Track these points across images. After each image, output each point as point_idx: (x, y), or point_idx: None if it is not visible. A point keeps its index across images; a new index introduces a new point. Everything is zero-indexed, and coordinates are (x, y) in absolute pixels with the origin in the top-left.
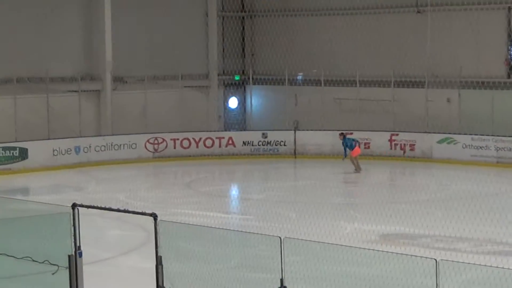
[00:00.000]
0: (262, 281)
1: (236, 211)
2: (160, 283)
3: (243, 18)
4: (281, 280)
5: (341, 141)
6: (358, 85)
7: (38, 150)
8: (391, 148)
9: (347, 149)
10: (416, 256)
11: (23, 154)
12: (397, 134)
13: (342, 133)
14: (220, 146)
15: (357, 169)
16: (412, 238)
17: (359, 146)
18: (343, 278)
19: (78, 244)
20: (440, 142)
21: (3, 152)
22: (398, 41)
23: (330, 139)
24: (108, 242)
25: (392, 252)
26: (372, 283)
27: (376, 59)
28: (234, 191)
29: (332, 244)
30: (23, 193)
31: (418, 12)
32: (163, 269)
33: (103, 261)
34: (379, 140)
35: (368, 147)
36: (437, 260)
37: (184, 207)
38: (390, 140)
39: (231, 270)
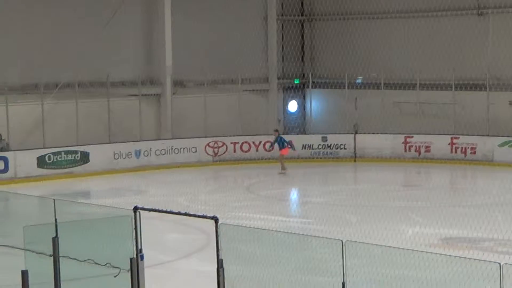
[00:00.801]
0: (323, 285)
1: (296, 214)
2: (221, 286)
3: (302, 22)
4: (343, 284)
5: (275, 137)
6: (418, 88)
7: (99, 154)
8: (451, 152)
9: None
10: (479, 260)
11: (85, 157)
12: (458, 138)
13: (277, 130)
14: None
15: (283, 170)
16: (474, 242)
17: (289, 148)
18: (404, 282)
19: (139, 247)
20: (501, 145)
21: (65, 156)
22: (458, 43)
23: (390, 143)
24: (169, 245)
25: (454, 256)
26: (434, 287)
27: (436, 61)
28: (294, 195)
29: (393, 247)
30: (84, 196)
31: (479, 14)
32: (224, 272)
33: (164, 264)
34: (440, 144)
35: (429, 151)
36: (501, 264)
37: (244, 210)
38: (451, 144)
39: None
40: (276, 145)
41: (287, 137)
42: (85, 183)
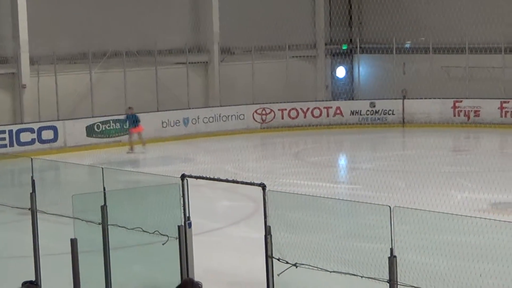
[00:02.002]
0: (372, 251)
1: (344, 180)
2: (269, 253)
3: None
4: (391, 250)
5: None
6: (467, 52)
7: (148, 122)
8: (501, 116)
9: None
10: None
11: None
12: (507, 101)
13: (131, 108)
14: (328, 116)
15: (132, 149)
16: None
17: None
18: (453, 247)
19: (187, 215)
20: None
21: (114, 124)
22: (508, 6)
23: (438, 108)
24: (217, 213)
25: (504, 221)
26: (484, 252)
27: (485, 25)
28: (342, 161)
29: (442, 213)
30: (133, 164)
31: None
32: (272, 239)
33: (212, 231)
34: (489, 108)
35: (478, 115)
36: None
37: (292, 177)
38: (501, 108)
39: (339, 239)
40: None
41: (333, 104)
42: (133, 152)
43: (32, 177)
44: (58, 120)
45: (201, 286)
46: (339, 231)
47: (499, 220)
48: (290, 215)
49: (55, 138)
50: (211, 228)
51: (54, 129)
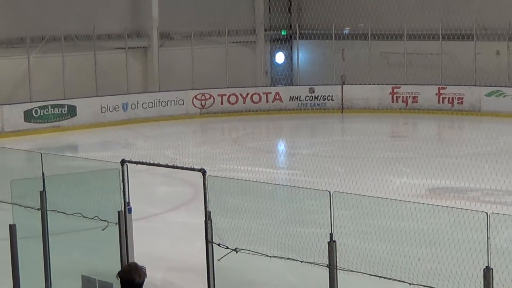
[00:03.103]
0: (311, 236)
1: (284, 166)
2: (209, 238)
3: None
4: (331, 235)
5: None
6: (405, 38)
7: (86, 107)
8: (439, 102)
9: None
10: (466, 209)
11: (72, 111)
12: (445, 88)
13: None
14: (267, 101)
15: None
16: (461, 192)
17: None
18: (392, 232)
19: (127, 200)
20: (488, 95)
21: (52, 109)
22: None
23: (377, 93)
24: (156, 198)
25: (441, 206)
26: (422, 237)
27: (423, 11)
28: (282, 146)
29: (381, 198)
30: (72, 150)
31: None
32: (212, 224)
33: (152, 217)
34: (427, 94)
35: (416, 101)
36: (488, 214)
37: (231, 162)
38: (438, 94)
39: (279, 225)
40: None
41: (273, 89)
42: (73, 137)
43: None
44: None
45: (145, 271)
46: (279, 217)
47: (436, 205)
48: (230, 200)
49: None
50: (150, 214)
51: None
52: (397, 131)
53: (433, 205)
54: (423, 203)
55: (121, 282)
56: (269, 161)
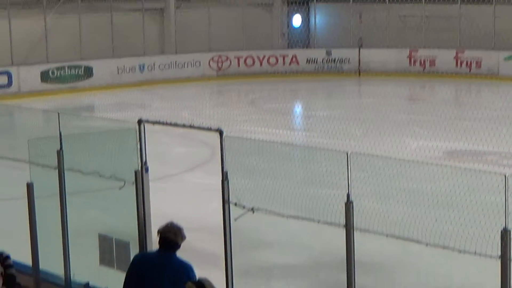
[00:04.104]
0: (328, 197)
1: (300, 128)
2: (226, 197)
3: None
4: (348, 196)
5: None
6: (424, 1)
7: (103, 68)
8: (456, 66)
9: None
10: (484, 171)
11: (88, 72)
12: (463, 51)
13: None
14: (284, 64)
15: None
16: (478, 155)
17: None
18: (409, 194)
19: (144, 160)
20: (507, 59)
21: (69, 70)
22: None
23: (394, 57)
24: (174, 159)
25: (459, 167)
26: (439, 199)
27: None
28: (298, 109)
29: (398, 159)
30: (88, 110)
31: None
32: (229, 185)
33: (169, 177)
34: (445, 58)
35: (434, 65)
36: (506, 176)
37: (248, 124)
38: (456, 58)
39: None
40: None
41: (290, 52)
42: (89, 98)
43: None
44: (12, 65)
45: (182, 231)
46: (295, 178)
47: (454, 167)
48: (247, 161)
49: (9, 84)
50: (167, 174)
51: (9, 74)
52: (414, 94)
53: (450, 166)
54: (441, 165)
55: (159, 238)
56: (285, 123)
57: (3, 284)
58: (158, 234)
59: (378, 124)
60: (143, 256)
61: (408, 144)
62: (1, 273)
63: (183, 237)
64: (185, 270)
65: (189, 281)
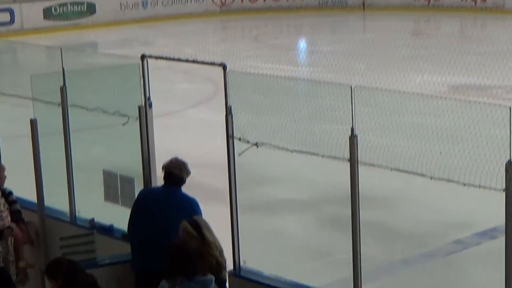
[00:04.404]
0: (332, 132)
1: (304, 63)
2: (230, 132)
3: None
4: (352, 129)
5: None
6: None
7: (106, 5)
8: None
9: None
10: (489, 103)
11: (91, 9)
12: None
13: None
14: None
15: None
16: (483, 89)
17: None
18: (413, 128)
19: (147, 95)
20: None
21: (71, 7)
22: None
23: None
24: (177, 95)
25: (464, 100)
26: (443, 132)
27: None
28: (302, 44)
29: (402, 93)
30: (92, 47)
31: None
32: (233, 119)
33: (172, 113)
34: None
35: None
36: (511, 109)
37: (252, 60)
38: None
39: (300, 121)
40: None
41: None
42: (92, 35)
43: None
44: (15, 2)
45: (186, 167)
46: (300, 113)
47: (459, 100)
48: (251, 96)
49: (11, 21)
50: (171, 111)
51: (11, 11)
52: (419, 29)
53: (455, 99)
54: (445, 98)
55: (164, 174)
56: (289, 58)
57: (10, 220)
58: (162, 169)
59: (382, 59)
60: (148, 192)
61: (412, 79)
62: (7, 209)
63: (187, 172)
64: (190, 204)
65: (184, 220)
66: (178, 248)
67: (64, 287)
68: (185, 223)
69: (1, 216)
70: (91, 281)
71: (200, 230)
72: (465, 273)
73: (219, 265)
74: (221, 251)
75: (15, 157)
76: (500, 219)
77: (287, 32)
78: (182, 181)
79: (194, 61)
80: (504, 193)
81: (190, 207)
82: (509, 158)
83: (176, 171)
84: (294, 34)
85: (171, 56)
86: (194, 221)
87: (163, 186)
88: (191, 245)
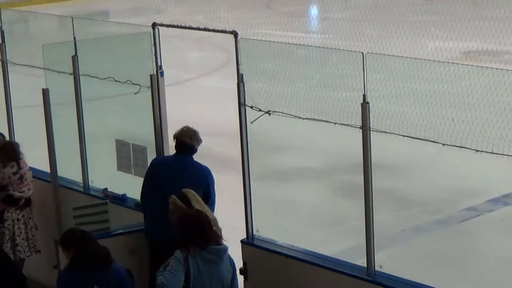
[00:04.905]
0: (344, 98)
1: (316, 30)
2: (241, 101)
3: None
4: (364, 96)
5: None
6: None
7: None
8: None
9: None
10: (502, 69)
11: None
12: None
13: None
14: None
15: None
16: (495, 55)
17: None
18: (425, 94)
19: (159, 64)
20: None
21: None
22: None
23: None
24: (189, 64)
25: (476, 66)
26: (456, 99)
27: None
28: (314, 11)
29: (414, 59)
30: (103, 16)
31: None
32: (245, 88)
33: (184, 82)
34: None
35: None
36: None
37: (263, 27)
38: None
39: (312, 88)
40: None
41: None
42: (103, 3)
43: (1, 27)
44: None
45: (197, 135)
46: (311, 81)
47: (471, 65)
48: (263, 64)
49: None
50: (183, 79)
51: None
52: None
53: (468, 65)
54: (458, 64)
55: (175, 143)
56: (301, 26)
57: None
58: (174, 138)
59: (394, 25)
60: (160, 161)
61: (424, 45)
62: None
63: (199, 141)
64: (203, 173)
65: (173, 195)
66: (190, 217)
67: (76, 256)
68: (173, 197)
69: (29, 187)
70: (104, 252)
71: (189, 203)
72: (478, 240)
73: (215, 235)
74: (214, 221)
75: (28, 127)
76: None
77: None
78: (193, 149)
79: (205, 29)
80: None
81: (203, 175)
82: None
83: (187, 140)
84: (306, 0)
85: (183, 24)
86: (183, 194)
87: (175, 155)
88: (199, 216)
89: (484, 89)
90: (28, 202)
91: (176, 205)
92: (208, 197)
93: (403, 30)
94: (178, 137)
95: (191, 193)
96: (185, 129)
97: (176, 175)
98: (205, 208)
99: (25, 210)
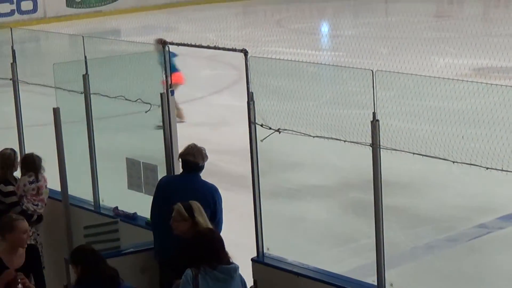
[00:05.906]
0: (354, 116)
1: (327, 47)
2: (252, 119)
3: None
4: (374, 114)
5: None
6: None
7: None
8: None
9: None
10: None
11: None
12: None
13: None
14: None
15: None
16: (506, 72)
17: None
18: (435, 112)
19: (169, 82)
20: None
21: None
22: None
23: None
24: (200, 82)
25: (486, 83)
26: (466, 116)
27: None
28: (325, 28)
29: (424, 76)
30: (114, 34)
31: None
32: (255, 106)
33: (195, 100)
34: None
35: None
36: None
37: (274, 45)
38: None
39: (322, 106)
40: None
41: None
42: (115, 22)
43: (12, 47)
44: None
45: (204, 152)
46: (322, 98)
47: (481, 83)
48: (273, 82)
49: (34, 9)
50: (194, 97)
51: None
52: (442, 11)
53: (478, 82)
54: (468, 81)
55: (181, 162)
56: (311, 43)
57: None
58: (178, 157)
59: (405, 42)
60: (168, 179)
61: (435, 62)
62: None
63: (204, 158)
64: (209, 191)
65: (179, 203)
66: (203, 236)
67: (83, 274)
68: (178, 205)
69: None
70: (111, 274)
71: (192, 213)
72: (489, 258)
73: (226, 254)
74: None
75: (39, 146)
76: None
77: (309, 16)
78: (198, 167)
79: (215, 47)
80: None
81: (210, 194)
82: None
83: (191, 158)
84: (317, 18)
85: (193, 43)
86: (188, 204)
87: (181, 174)
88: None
89: (494, 106)
90: (40, 219)
91: (179, 212)
92: (215, 215)
93: (414, 47)
94: (182, 156)
95: (197, 205)
96: (189, 147)
97: (183, 194)
98: (207, 221)
99: (36, 227)
